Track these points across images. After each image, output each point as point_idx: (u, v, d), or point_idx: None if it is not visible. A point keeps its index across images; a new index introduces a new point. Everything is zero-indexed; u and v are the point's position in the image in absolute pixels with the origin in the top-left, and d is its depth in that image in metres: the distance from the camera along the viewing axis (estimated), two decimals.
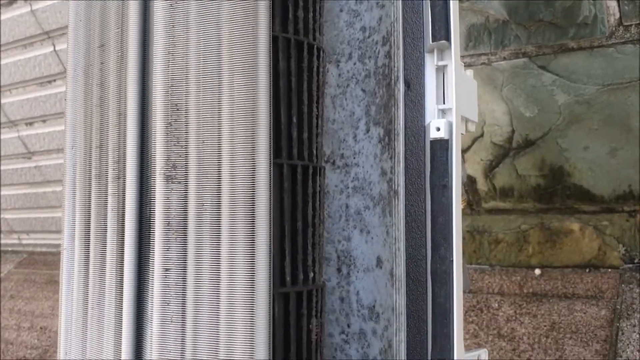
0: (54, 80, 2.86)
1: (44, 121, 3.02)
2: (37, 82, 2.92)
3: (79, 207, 0.85)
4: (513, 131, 1.87)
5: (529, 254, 2.01)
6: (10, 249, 3.65)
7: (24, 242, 3.57)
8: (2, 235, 3.63)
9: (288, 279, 0.83)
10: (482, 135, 1.92)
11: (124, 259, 0.77)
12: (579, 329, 1.77)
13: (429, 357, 0.84)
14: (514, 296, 1.95)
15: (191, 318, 0.74)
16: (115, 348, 0.77)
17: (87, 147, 0.85)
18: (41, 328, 2.88)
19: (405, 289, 0.87)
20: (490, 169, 1.96)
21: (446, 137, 0.86)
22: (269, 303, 0.74)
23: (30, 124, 3.07)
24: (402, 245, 0.89)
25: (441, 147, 0.86)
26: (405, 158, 0.90)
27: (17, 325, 2.96)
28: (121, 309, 0.77)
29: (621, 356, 1.66)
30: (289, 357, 0.80)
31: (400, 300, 0.87)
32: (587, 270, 1.94)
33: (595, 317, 1.78)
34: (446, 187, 0.85)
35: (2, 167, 3.30)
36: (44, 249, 3.50)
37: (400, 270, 0.88)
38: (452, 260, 0.84)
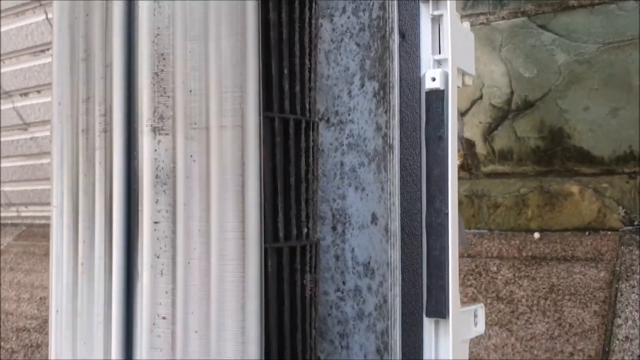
0: (47, 49, 2.82)
1: (38, 92, 2.98)
2: (30, 51, 2.88)
3: (67, 162, 0.83)
4: (512, 93, 1.84)
5: (528, 217, 2.00)
6: (9, 221, 3.65)
7: (23, 214, 3.57)
8: (1, 208, 3.63)
9: (281, 234, 0.82)
10: (480, 97, 1.90)
11: (113, 213, 0.76)
12: (577, 290, 1.77)
13: (424, 310, 0.83)
14: (512, 260, 1.95)
15: (181, 271, 0.73)
16: (105, 301, 0.76)
17: (73, 101, 0.83)
18: (40, 299, 2.89)
19: (400, 244, 0.86)
20: (489, 132, 1.94)
21: (442, 88, 0.84)
22: (260, 255, 0.73)
23: (25, 94, 3.04)
24: (397, 200, 0.87)
25: (437, 97, 0.84)
26: (401, 111, 0.88)
27: (16, 296, 2.97)
28: (111, 262, 0.75)
29: (620, 317, 1.66)
30: (282, 311, 0.79)
31: (395, 255, 0.86)
32: (587, 233, 1.93)
33: (594, 279, 1.78)
34: (442, 139, 0.83)
35: None
36: (42, 221, 3.49)
37: (395, 225, 0.87)
38: (448, 213, 0.82)
